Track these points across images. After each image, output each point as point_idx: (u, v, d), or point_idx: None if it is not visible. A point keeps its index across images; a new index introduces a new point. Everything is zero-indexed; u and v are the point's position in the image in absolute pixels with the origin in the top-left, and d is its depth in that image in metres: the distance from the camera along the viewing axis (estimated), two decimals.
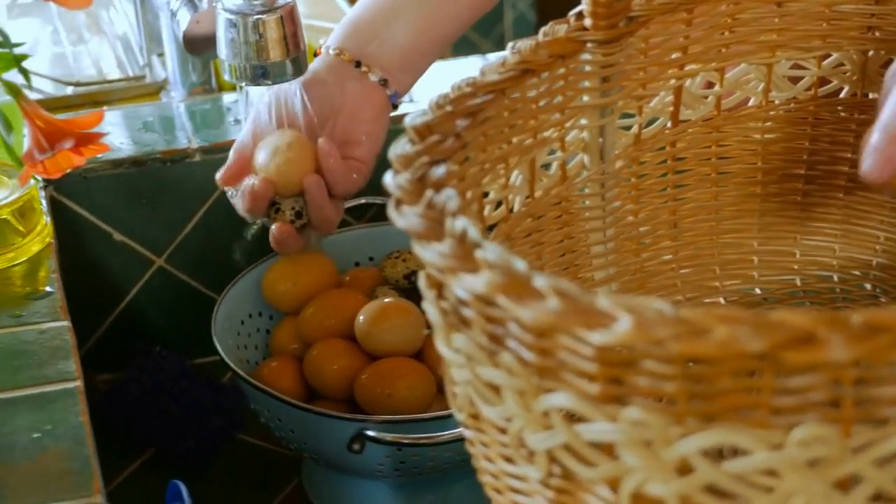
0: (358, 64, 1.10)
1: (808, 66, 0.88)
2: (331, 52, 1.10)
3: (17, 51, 0.79)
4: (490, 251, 0.56)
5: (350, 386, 1.09)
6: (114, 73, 1.41)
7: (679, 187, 0.89)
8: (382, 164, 1.24)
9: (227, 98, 1.30)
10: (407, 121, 0.66)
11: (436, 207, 0.60)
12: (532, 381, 0.58)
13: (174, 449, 1.19)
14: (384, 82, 1.10)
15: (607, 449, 0.57)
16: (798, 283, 0.94)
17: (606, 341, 0.52)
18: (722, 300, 0.93)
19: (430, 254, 0.57)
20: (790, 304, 0.94)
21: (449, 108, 0.68)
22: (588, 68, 0.77)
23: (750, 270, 0.93)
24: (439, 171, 0.63)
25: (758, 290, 0.94)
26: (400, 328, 1.10)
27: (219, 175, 1.09)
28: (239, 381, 1.06)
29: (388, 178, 0.62)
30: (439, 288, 0.63)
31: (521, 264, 0.55)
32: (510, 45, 0.74)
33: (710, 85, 0.87)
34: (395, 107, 1.11)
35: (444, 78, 1.28)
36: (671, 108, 0.85)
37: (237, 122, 1.25)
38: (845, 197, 0.92)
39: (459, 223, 0.58)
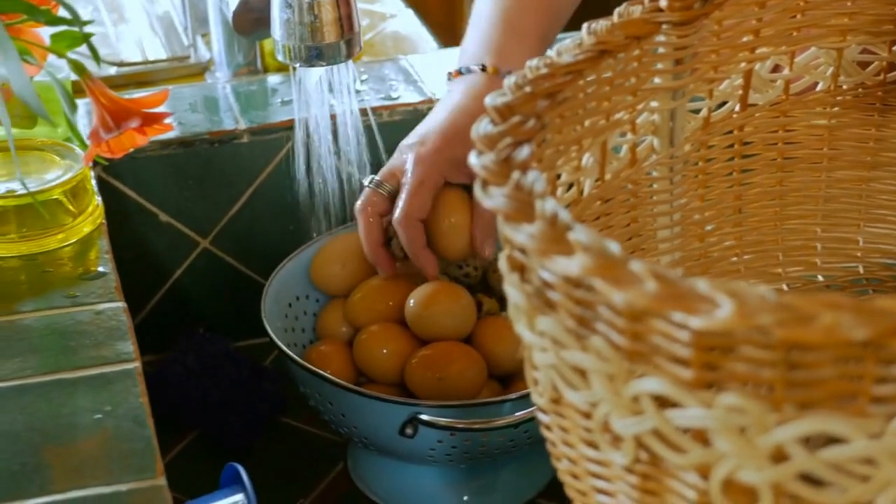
0: None
1: (877, 50, 0.87)
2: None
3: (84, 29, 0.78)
4: (582, 233, 0.55)
5: (400, 370, 1.08)
6: (156, 54, 1.40)
7: (745, 172, 0.88)
8: None
9: (273, 79, 1.29)
10: (487, 101, 0.66)
11: (524, 189, 0.59)
12: (622, 365, 0.57)
13: (218, 431, 1.18)
14: None
15: (699, 435, 0.56)
16: (861, 270, 0.93)
17: (706, 326, 0.51)
18: (784, 287, 0.92)
19: (520, 235, 0.57)
20: (853, 291, 0.93)
21: (528, 89, 0.67)
22: (662, 50, 0.76)
23: (813, 257, 0.92)
24: (524, 152, 0.62)
25: (820, 278, 0.93)
26: (451, 312, 1.09)
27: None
28: (289, 364, 1.05)
29: (473, 159, 0.61)
30: (522, 270, 0.62)
31: (615, 247, 0.54)
32: (585, 25, 0.73)
33: (778, 69, 0.86)
34: None
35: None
36: (740, 92, 0.85)
37: (284, 103, 1.24)
38: None
39: (549, 205, 0.57)
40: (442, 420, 0.99)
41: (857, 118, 0.89)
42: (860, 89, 0.89)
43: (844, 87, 0.88)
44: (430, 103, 1.24)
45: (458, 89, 1.07)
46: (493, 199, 0.59)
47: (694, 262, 0.88)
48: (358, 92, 1.22)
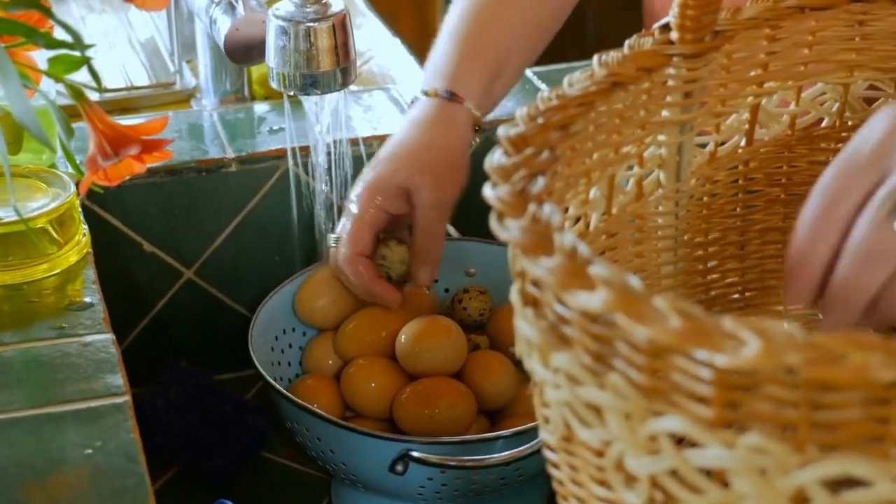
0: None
1: (884, 87, 0.86)
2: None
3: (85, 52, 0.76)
4: (603, 268, 0.54)
5: (388, 405, 1.07)
6: (140, 80, 1.38)
7: (748, 208, 0.87)
8: None
9: (260, 107, 1.27)
10: (501, 132, 0.64)
11: (541, 221, 0.57)
12: (640, 403, 0.55)
13: (200, 466, 1.16)
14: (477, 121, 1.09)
15: (717, 475, 0.55)
16: None
17: (731, 364, 0.50)
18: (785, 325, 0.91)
19: (538, 269, 0.55)
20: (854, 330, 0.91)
21: (540, 121, 0.66)
22: (671, 83, 0.75)
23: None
24: (539, 184, 0.61)
25: (821, 316, 0.92)
26: (442, 348, 1.08)
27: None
28: (276, 399, 1.03)
29: (488, 190, 0.60)
30: (535, 304, 0.60)
31: (636, 282, 0.53)
32: (596, 56, 0.72)
33: (784, 104, 0.85)
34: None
35: None
36: (747, 127, 0.83)
37: (272, 132, 1.22)
38: None
39: (568, 238, 0.55)
40: (434, 457, 0.97)
41: None
42: None
43: (850, 123, 0.87)
44: None
45: (407, 118, 1.08)
46: (509, 231, 0.57)
47: (696, 300, 0.86)
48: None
